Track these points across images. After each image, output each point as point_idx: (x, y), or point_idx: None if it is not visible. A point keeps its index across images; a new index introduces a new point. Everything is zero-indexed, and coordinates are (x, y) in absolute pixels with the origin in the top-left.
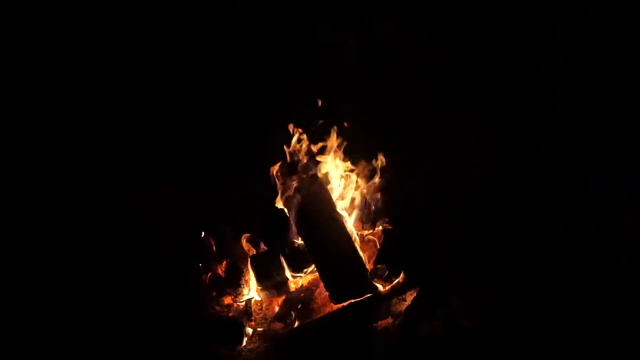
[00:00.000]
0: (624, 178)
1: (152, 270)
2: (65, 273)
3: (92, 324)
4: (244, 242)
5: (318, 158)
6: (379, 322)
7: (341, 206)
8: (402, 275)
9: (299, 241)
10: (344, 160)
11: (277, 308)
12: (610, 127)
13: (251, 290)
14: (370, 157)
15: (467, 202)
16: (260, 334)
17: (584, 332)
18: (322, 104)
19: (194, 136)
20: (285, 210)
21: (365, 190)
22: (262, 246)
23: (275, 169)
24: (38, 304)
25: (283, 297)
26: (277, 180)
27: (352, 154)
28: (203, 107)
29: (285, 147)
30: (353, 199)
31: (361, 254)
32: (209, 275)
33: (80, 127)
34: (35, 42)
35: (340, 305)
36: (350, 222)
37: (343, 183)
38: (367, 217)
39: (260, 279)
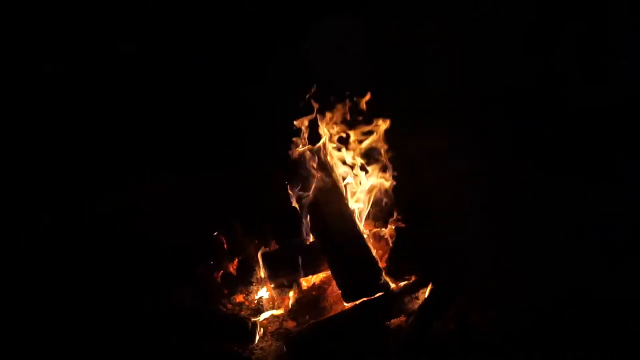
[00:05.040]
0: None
1: (162, 267)
2: (71, 270)
3: (101, 320)
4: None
5: (330, 154)
6: (392, 321)
7: (353, 204)
8: (414, 273)
9: (311, 239)
10: (357, 157)
11: (289, 306)
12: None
13: (263, 289)
14: (384, 154)
15: (477, 200)
16: (272, 332)
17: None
18: (331, 99)
19: (204, 131)
20: (297, 207)
21: (377, 188)
22: (274, 244)
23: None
24: (45, 302)
25: (295, 295)
26: (289, 177)
27: (365, 151)
28: (211, 102)
29: (296, 143)
30: (365, 197)
31: (374, 252)
32: (220, 273)
33: (83, 124)
34: (35, 39)
35: (352, 304)
36: (362, 220)
37: (355, 181)
38: (380, 215)
39: (272, 277)
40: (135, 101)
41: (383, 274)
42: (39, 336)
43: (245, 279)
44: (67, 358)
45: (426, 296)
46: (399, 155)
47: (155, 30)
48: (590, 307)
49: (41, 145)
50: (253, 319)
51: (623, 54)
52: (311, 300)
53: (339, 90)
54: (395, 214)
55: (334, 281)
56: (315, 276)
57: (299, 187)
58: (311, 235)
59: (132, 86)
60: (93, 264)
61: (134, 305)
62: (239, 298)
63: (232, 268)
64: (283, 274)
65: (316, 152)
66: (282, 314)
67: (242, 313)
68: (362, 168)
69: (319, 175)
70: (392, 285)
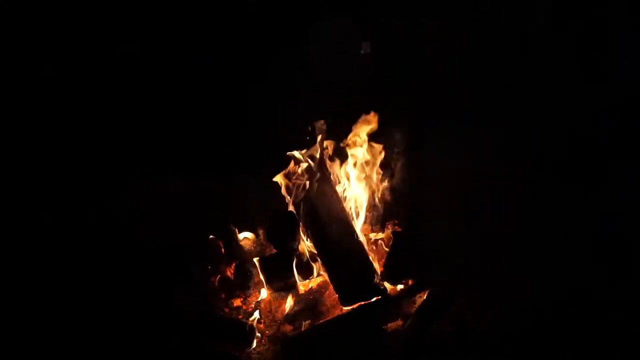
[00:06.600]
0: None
1: (161, 267)
2: (71, 270)
3: (101, 320)
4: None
5: (327, 158)
6: (389, 324)
7: (350, 208)
8: (411, 277)
9: (308, 243)
10: (354, 161)
11: (286, 310)
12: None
13: (260, 293)
14: (380, 158)
15: (473, 203)
16: (269, 337)
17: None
18: (331, 102)
19: (204, 131)
20: (294, 211)
21: (374, 192)
22: (271, 248)
23: (284, 171)
24: (46, 302)
25: (292, 299)
26: (285, 181)
27: (362, 154)
28: (212, 102)
29: (294, 146)
30: (362, 201)
31: (371, 256)
32: (217, 277)
33: (84, 124)
34: (35, 39)
35: (349, 308)
36: (359, 224)
37: (352, 185)
38: (377, 219)
39: (269, 281)
40: (136, 101)
41: (380, 277)
42: (39, 336)
43: (242, 283)
44: (68, 358)
45: (425, 298)
46: (397, 158)
47: (155, 30)
48: (590, 307)
49: (41, 145)
50: (250, 323)
51: (623, 54)
52: (308, 305)
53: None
54: (392, 218)
55: (331, 285)
56: (312, 280)
57: (296, 191)
58: (308, 240)
59: (132, 86)
60: (93, 264)
61: (134, 305)
62: (237, 302)
63: (230, 272)
64: (280, 278)
65: (314, 156)
66: (279, 318)
67: (240, 317)
68: (360, 172)
69: (316, 179)
70: (390, 289)
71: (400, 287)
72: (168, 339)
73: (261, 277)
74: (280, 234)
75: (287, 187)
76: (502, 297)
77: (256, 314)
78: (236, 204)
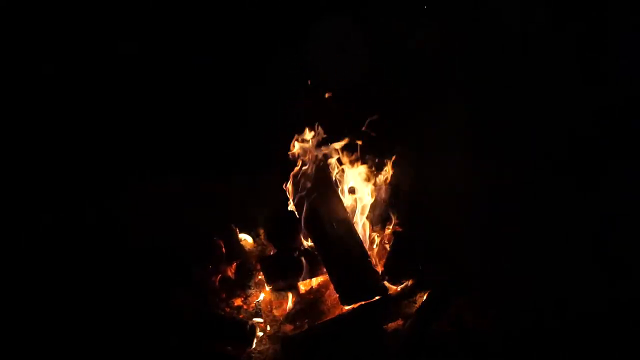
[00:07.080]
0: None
1: (160, 270)
2: (71, 270)
3: (101, 320)
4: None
5: (329, 159)
6: (389, 324)
7: (351, 208)
8: (412, 277)
9: (309, 243)
10: (355, 161)
11: (287, 310)
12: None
13: (261, 292)
14: (381, 158)
15: (473, 203)
16: (270, 336)
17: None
18: (331, 101)
19: (204, 131)
20: (295, 211)
21: (375, 192)
22: (272, 248)
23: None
24: (46, 302)
25: (293, 299)
26: (287, 182)
27: (363, 155)
28: (212, 102)
29: (294, 146)
30: (364, 201)
31: (371, 256)
32: (218, 277)
33: (83, 124)
34: (35, 39)
35: (350, 307)
36: (360, 224)
37: (353, 185)
38: (377, 219)
39: (270, 281)
40: (136, 101)
41: (381, 277)
42: (39, 336)
43: (243, 282)
44: (67, 358)
45: (425, 298)
46: (397, 158)
47: (155, 30)
48: (590, 307)
49: (41, 145)
50: (251, 322)
51: (623, 54)
52: (309, 304)
53: (337, 92)
54: (393, 218)
55: (331, 285)
56: (313, 280)
57: (297, 191)
58: (309, 239)
59: (132, 86)
60: (93, 264)
61: (134, 305)
62: (237, 302)
63: (231, 272)
64: (281, 277)
65: (315, 156)
66: (280, 317)
67: (241, 317)
68: (360, 172)
69: (317, 179)
70: (391, 289)
71: (400, 287)
72: (168, 339)
73: (262, 276)
74: (280, 234)
75: (288, 187)
76: (502, 297)
77: (259, 314)
78: (236, 204)
